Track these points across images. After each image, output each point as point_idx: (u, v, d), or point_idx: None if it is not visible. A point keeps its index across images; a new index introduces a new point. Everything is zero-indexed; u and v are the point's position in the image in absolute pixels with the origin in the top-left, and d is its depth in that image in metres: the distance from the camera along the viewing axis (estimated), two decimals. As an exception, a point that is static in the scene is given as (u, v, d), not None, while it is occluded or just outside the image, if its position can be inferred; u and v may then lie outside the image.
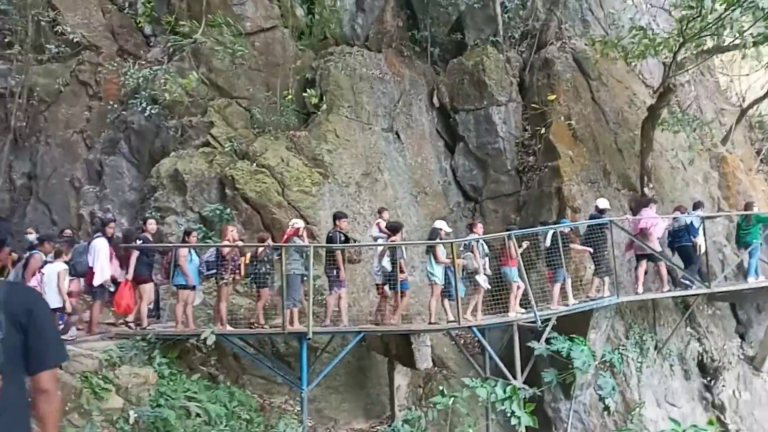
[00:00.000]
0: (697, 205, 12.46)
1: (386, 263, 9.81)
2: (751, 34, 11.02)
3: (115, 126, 14.11)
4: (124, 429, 7.51)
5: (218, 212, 12.14)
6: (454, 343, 12.86)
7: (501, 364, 10.14)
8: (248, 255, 9.96)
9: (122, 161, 13.75)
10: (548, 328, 10.29)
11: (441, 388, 9.46)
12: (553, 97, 13.97)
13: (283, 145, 13.30)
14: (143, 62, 14.25)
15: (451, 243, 9.96)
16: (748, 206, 12.46)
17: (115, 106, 14.12)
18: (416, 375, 11.81)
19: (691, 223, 11.87)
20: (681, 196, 14.73)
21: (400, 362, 10.67)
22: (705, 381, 12.32)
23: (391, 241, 10.11)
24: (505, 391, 8.71)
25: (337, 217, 10.31)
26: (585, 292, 11.47)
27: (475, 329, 10.10)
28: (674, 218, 11.93)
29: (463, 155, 15.20)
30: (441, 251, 9.95)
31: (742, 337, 13.42)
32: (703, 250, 11.68)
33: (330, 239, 10.07)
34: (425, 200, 14.47)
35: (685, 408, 11.89)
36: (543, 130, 13.88)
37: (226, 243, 9.84)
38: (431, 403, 10.58)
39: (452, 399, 8.79)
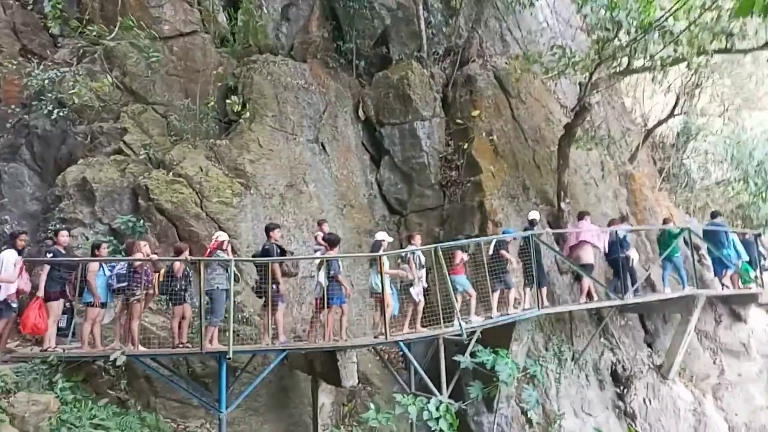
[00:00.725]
0: (714, 215, 13.95)
1: (322, 278, 9.56)
2: (661, 57, 11.72)
3: (15, 131, 12.97)
4: (19, 464, 6.81)
5: (130, 224, 11.40)
6: (378, 358, 12.74)
7: (427, 379, 10.07)
8: (162, 271, 9.43)
9: (23, 168, 12.64)
10: (473, 341, 10.36)
11: (372, 404, 9.30)
12: (476, 112, 14.26)
13: (202, 153, 12.75)
14: (49, 63, 13.24)
15: (383, 255, 9.87)
16: (665, 222, 13.24)
17: (17, 109, 13.02)
18: (340, 393, 11.54)
19: (624, 236, 12.59)
20: (594, 211, 15.38)
21: (325, 380, 10.39)
22: (618, 390, 12.83)
23: (329, 254, 9.86)
24: (437, 409, 8.66)
25: (270, 228, 10.04)
26: (506, 305, 11.66)
27: (401, 344, 10.00)
28: (609, 232, 12.59)
29: (388, 169, 15.19)
30: (386, 263, 9.95)
31: (650, 346, 14.13)
32: (635, 262, 12.27)
33: (266, 252, 9.74)
34: (351, 213, 14.31)
35: (600, 417, 12.32)
36: (466, 146, 14.11)
37: (138, 257, 9.24)
38: (359, 420, 10.42)
39: (387, 416, 8.64)
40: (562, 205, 13.84)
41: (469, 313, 10.88)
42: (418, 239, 10.94)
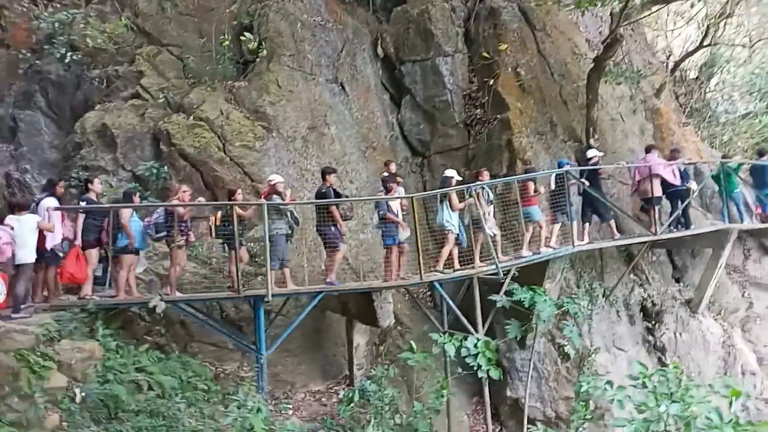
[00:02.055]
0: (762, 153, 13.86)
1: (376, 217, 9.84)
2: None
3: (28, 77, 12.61)
4: (71, 409, 6.80)
5: (154, 171, 11.18)
6: (408, 298, 12.74)
7: (463, 318, 10.03)
8: (219, 214, 9.33)
9: (39, 116, 12.34)
10: (507, 280, 10.26)
11: (409, 343, 9.29)
12: (504, 46, 13.69)
13: (221, 96, 12.38)
14: (58, 5, 12.72)
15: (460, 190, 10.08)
16: (649, 150, 12.85)
17: (27, 54, 12.59)
18: (373, 333, 11.58)
19: (685, 169, 12.61)
20: (621, 148, 15.06)
21: (360, 321, 10.38)
22: (648, 325, 12.82)
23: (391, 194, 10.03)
24: (476, 346, 8.63)
25: (327, 172, 10.05)
26: (537, 242, 11.50)
27: (437, 284, 9.90)
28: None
29: (409, 108, 14.75)
30: (455, 198, 10.13)
31: (677, 281, 14.04)
32: (696, 194, 12.57)
33: (323, 195, 9.76)
34: (374, 155, 13.99)
35: (631, 351, 12.35)
36: (492, 82, 13.62)
37: (176, 202, 9.09)
38: (398, 359, 10.48)
39: (425, 355, 8.63)
40: (591, 141, 13.47)
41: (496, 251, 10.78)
42: (486, 175, 11.07)
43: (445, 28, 14.53)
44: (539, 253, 10.78)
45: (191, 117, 11.79)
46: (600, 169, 11.97)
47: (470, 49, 14.96)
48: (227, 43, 12.48)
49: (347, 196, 11.04)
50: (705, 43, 18.31)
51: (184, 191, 9.42)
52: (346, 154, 13.44)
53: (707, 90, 21.92)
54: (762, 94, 18.73)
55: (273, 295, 8.94)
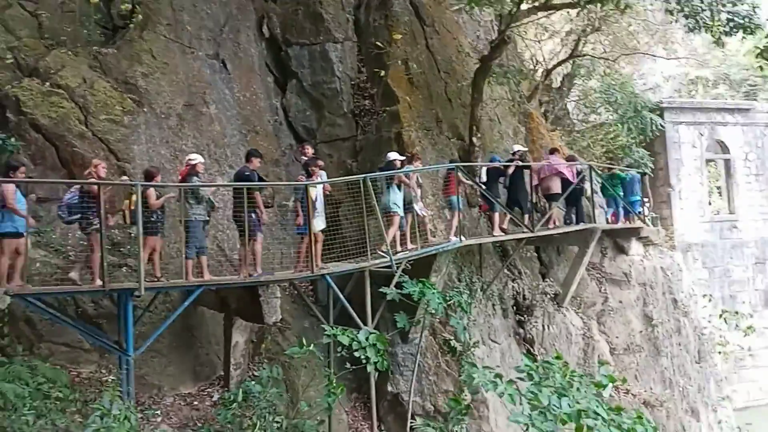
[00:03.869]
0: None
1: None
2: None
3: None
4: None
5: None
6: (287, 292, 12.15)
7: (352, 312, 9.71)
8: (132, 198, 8.41)
9: None
10: (399, 272, 10.12)
11: (301, 338, 8.79)
12: (399, 36, 13.51)
13: (85, 62, 10.92)
14: None
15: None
16: (553, 152, 14.18)
17: None
18: (251, 330, 10.87)
19: (581, 171, 13.99)
20: (497, 148, 15.60)
21: (242, 317, 9.65)
22: (519, 318, 13.40)
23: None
24: (367, 339, 8.35)
25: (252, 155, 9.72)
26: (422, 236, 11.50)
27: (328, 277, 9.47)
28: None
29: (295, 93, 14.11)
30: (406, 180, 10.63)
31: (543, 277, 14.86)
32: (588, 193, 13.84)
33: (246, 178, 9.14)
34: (256, 140, 13.15)
35: (504, 344, 12.83)
36: (382, 73, 13.40)
37: (92, 180, 8.13)
38: (277, 357, 9.89)
39: (314, 348, 8.20)
40: (474, 139, 13.78)
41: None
42: (419, 162, 11.49)
43: (336, 13, 14.09)
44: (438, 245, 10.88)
45: (47, 83, 10.25)
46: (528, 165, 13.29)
47: (360, 38, 14.65)
48: (96, 0, 11.00)
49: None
50: (575, 54, 19.63)
51: (98, 166, 8.49)
52: (226, 136, 12.51)
53: (567, 99, 23.55)
54: (617, 105, 20.43)
55: (146, 289, 7.96)
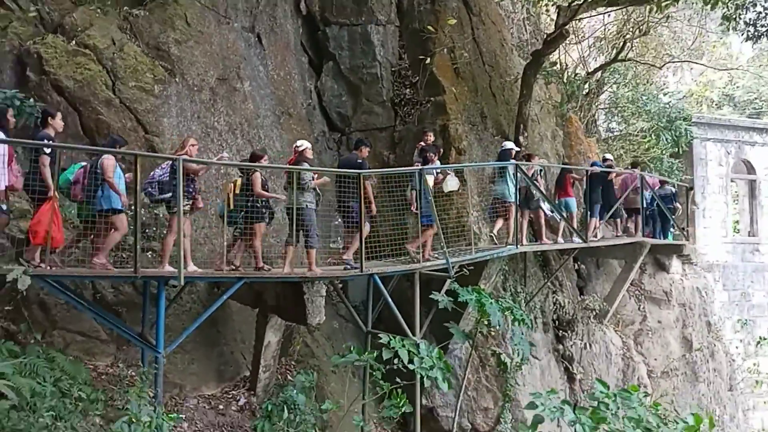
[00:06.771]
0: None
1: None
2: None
3: None
4: None
5: (17, 103, 8.43)
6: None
7: (401, 319, 8.72)
8: (238, 182, 7.76)
9: None
10: (448, 280, 9.16)
11: (349, 344, 7.84)
12: (453, 21, 12.53)
13: (114, 23, 9.88)
14: None
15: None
16: (635, 165, 13.83)
17: None
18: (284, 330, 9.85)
19: None
20: (537, 150, 14.70)
21: (281, 315, 8.63)
22: (558, 333, 12.50)
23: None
24: (429, 354, 7.40)
25: (362, 143, 9.29)
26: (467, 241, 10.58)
27: (376, 277, 8.49)
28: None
29: (331, 77, 13.14)
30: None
31: (580, 290, 14.01)
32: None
33: (358, 166, 8.62)
34: (289, 123, 12.19)
35: (543, 360, 11.94)
36: (428, 60, 12.44)
37: (186, 157, 7.25)
38: (298, 360, 8.92)
39: (371, 356, 7.24)
40: (521, 138, 12.87)
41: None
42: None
43: (380, -9, 13.12)
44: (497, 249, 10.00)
45: (73, 42, 9.19)
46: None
47: (401, 22, 13.69)
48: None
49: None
50: (618, 59, 18.77)
51: (192, 144, 7.60)
52: (259, 116, 11.52)
53: (599, 106, 22.73)
54: (651, 115, 19.66)
55: (187, 279, 6.95)
